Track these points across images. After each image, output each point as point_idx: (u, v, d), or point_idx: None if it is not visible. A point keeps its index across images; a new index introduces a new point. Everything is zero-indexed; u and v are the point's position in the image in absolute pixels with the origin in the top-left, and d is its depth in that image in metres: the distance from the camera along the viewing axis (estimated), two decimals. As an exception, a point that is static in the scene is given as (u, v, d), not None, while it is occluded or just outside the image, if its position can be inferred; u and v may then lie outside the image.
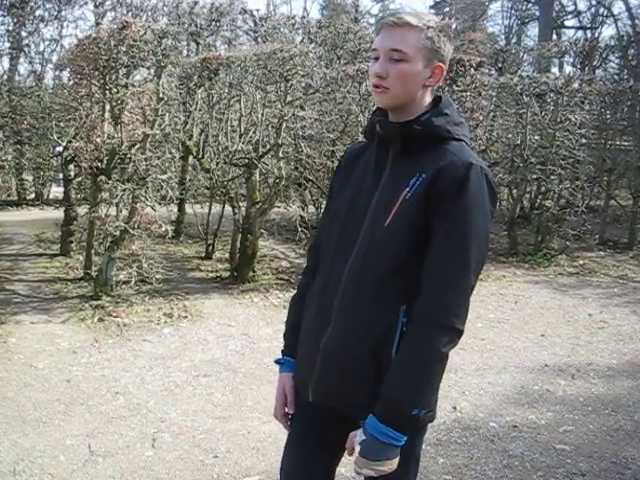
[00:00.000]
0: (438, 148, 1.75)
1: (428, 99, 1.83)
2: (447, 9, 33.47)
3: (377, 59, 1.77)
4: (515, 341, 5.80)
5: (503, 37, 27.22)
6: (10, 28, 13.00)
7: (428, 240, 1.71)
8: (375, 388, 1.73)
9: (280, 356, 2.09)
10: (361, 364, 1.77)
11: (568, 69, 16.14)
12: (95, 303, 6.30)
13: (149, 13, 12.80)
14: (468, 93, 8.01)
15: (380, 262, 1.75)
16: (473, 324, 6.11)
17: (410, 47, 1.72)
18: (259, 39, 12.99)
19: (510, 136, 9.78)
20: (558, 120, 9.04)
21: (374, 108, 1.97)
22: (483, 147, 9.38)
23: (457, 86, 7.73)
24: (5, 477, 3.33)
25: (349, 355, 1.78)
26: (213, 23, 12.74)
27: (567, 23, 25.43)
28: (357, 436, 1.73)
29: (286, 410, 2.05)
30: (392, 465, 1.71)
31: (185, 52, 12.04)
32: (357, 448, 1.72)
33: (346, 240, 1.83)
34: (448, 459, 3.64)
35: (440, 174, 1.69)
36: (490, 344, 5.68)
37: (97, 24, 13.01)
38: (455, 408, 4.31)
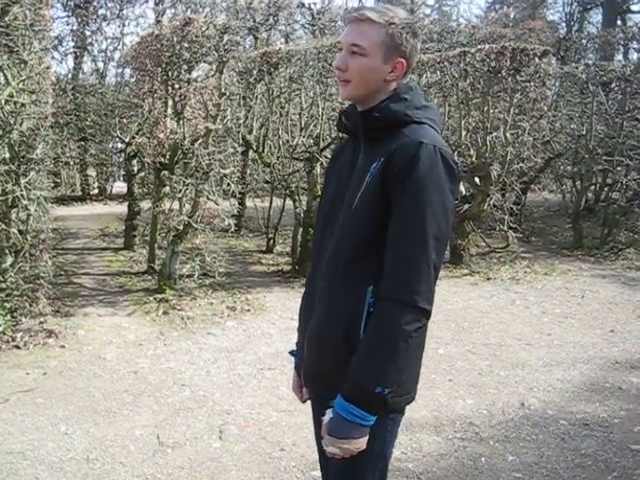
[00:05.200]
0: (398, 132, 1.78)
1: (393, 88, 1.85)
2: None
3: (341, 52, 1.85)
4: (583, 337, 5.64)
5: (564, 25, 26.48)
6: (74, 28, 13.34)
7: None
8: (347, 369, 1.75)
9: (294, 348, 2.15)
10: (334, 347, 1.81)
11: (634, 56, 15.63)
12: (159, 296, 6.41)
13: (208, 9, 12.94)
14: (532, 83, 7.82)
15: (348, 245, 1.80)
16: (539, 319, 5.98)
17: (369, 42, 1.77)
18: (316, 33, 12.98)
19: (574, 126, 9.52)
20: (626, 109, 8.76)
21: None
22: (547, 138, 9.18)
23: (520, 76, 7.55)
24: (80, 464, 3.41)
25: (324, 338, 1.85)
26: (271, 18, 12.81)
27: (633, 8, 24.46)
28: (326, 415, 1.76)
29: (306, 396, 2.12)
30: (358, 445, 1.72)
31: (243, 47, 12.12)
32: (325, 427, 1.75)
33: (328, 230, 1.90)
34: (517, 456, 3.55)
35: (393, 156, 1.73)
36: (557, 339, 5.54)
37: (157, 22, 13.24)
38: (523, 404, 4.21)
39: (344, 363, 1.75)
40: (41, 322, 5.51)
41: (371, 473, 1.87)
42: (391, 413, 1.83)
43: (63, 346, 5.18)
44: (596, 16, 25.89)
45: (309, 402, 2.14)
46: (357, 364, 1.72)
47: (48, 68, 5.65)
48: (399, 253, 1.71)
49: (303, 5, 13.45)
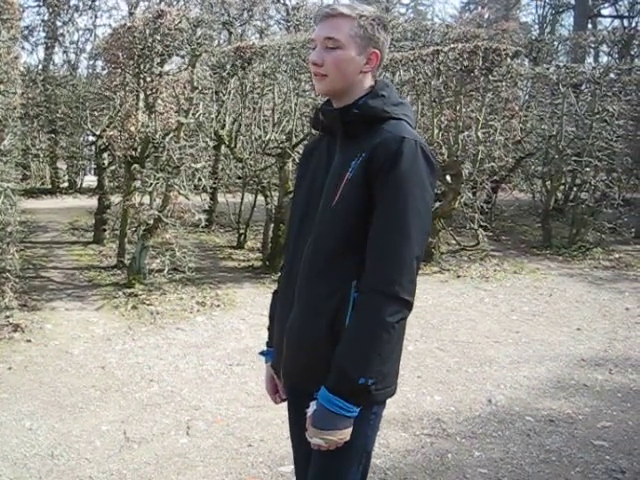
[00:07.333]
0: (377, 128, 1.81)
1: (368, 84, 1.88)
2: (480, -2, 33.05)
3: (315, 49, 1.87)
4: (550, 334, 5.71)
5: (537, 27, 26.75)
6: (45, 18, 13.15)
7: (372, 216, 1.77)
8: (331, 362, 1.76)
9: (265, 348, 2.15)
10: (317, 341, 1.81)
11: (604, 59, 15.85)
12: (128, 291, 6.36)
13: (182, 2, 12.83)
14: (504, 83, 7.89)
15: (329, 241, 1.81)
16: (507, 316, 6.05)
17: (343, 35, 1.80)
18: (291, 29, 12.95)
19: (545, 127, 9.62)
20: (595, 111, 8.87)
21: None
22: (518, 138, 9.26)
23: (492, 76, 7.61)
24: (44, 460, 3.37)
25: (307, 333, 1.84)
26: (245, 12, 12.74)
27: (603, 12, 24.82)
28: (310, 407, 1.77)
29: (282, 397, 2.11)
30: (342, 436, 1.73)
31: (217, 42, 12.04)
32: (310, 419, 1.76)
33: (305, 227, 1.90)
34: (484, 452, 3.59)
35: (375, 151, 1.76)
36: (525, 337, 5.61)
37: (130, 14, 13.11)
38: (490, 401, 4.25)
39: (327, 357, 1.76)
40: (7, 316, 5.42)
41: (354, 467, 1.88)
42: (374, 405, 1.84)
43: (29, 340, 5.12)
44: (568, 19, 26.24)
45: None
46: (341, 355, 1.73)
47: (17, 58, 5.56)
48: (381, 246, 1.73)
49: (278, 1, 13.41)
